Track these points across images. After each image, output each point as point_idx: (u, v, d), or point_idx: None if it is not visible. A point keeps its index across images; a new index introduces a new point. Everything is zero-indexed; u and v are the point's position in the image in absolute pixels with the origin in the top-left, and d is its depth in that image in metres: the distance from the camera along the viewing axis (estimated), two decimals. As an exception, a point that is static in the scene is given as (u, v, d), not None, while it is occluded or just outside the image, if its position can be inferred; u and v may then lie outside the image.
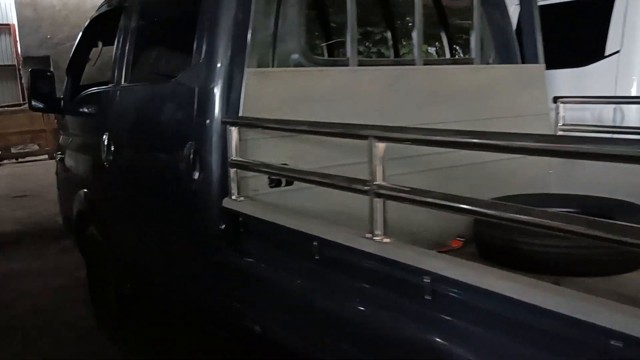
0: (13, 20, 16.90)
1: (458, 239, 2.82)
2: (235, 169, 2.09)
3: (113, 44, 3.41)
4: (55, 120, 13.16)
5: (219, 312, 2.26)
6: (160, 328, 3.51)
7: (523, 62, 3.09)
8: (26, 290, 4.65)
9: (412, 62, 2.62)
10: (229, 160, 2.09)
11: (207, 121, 2.24)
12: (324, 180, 1.77)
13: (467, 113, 2.68)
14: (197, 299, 2.48)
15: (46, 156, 12.91)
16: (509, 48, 3.07)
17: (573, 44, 4.07)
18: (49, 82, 4.03)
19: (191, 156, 2.30)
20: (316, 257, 1.71)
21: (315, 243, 1.71)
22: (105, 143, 3.17)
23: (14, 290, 4.69)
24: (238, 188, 2.10)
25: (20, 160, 12.80)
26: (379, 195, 1.48)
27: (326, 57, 3.04)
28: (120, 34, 3.11)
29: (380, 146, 1.48)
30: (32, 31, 16.40)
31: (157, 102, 2.65)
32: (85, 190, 3.68)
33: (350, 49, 2.37)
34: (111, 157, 3.14)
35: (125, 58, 3.03)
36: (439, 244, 2.77)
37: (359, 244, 1.52)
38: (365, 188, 1.52)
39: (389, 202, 1.62)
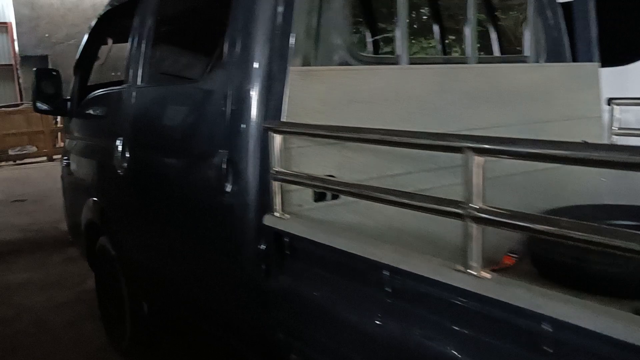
0: (10, 18, 16.57)
1: (510, 254, 2.58)
2: (278, 183, 1.82)
3: (125, 41, 3.15)
4: (54, 122, 12.95)
5: (258, 342, 2.00)
6: (180, 354, 3.24)
7: (574, 61, 2.85)
8: (29, 305, 4.38)
9: (464, 60, 2.37)
10: (272, 172, 1.82)
11: (243, 127, 1.98)
12: (403, 201, 1.48)
13: (522, 116, 2.44)
14: (229, 325, 2.22)
15: (44, 158, 12.64)
16: (560, 45, 2.82)
17: (613, 40, 3.82)
18: (55, 82, 3.76)
19: (223, 166, 2.04)
20: (387, 289, 1.45)
21: (386, 273, 1.45)
22: (119, 148, 2.91)
23: (16, 305, 4.41)
24: (282, 203, 1.84)
25: (18, 162, 12.49)
26: (477, 220, 1.22)
27: (373, 54, 2.78)
28: (136, 29, 2.84)
29: (478, 160, 1.22)
30: (30, 30, 16.10)
31: (181, 105, 2.38)
32: (95, 198, 3.42)
33: (400, 46, 2.11)
34: (126, 164, 2.87)
35: (142, 56, 2.77)
36: (490, 261, 2.52)
37: (450, 278, 1.26)
38: (460, 211, 1.26)
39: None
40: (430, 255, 1.39)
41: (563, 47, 2.81)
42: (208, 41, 2.22)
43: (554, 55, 2.78)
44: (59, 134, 13.42)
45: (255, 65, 1.95)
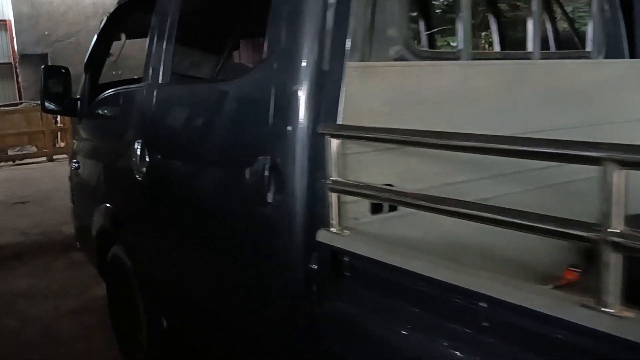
0: (9, 16, 16.29)
1: (571, 269, 2.37)
2: (336, 194, 1.59)
3: (142, 37, 2.92)
4: (54, 121, 12.69)
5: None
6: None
7: (631, 57, 2.63)
8: (35, 314, 4.15)
9: (526, 56, 2.14)
10: (329, 182, 1.60)
11: (290, 130, 1.75)
12: (513, 220, 1.23)
13: (586, 116, 2.22)
14: (265, 353, 1.99)
15: (44, 158, 12.39)
16: (617, 40, 2.60)
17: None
18: (64, 80, 3.53)
19: (265, 173, 1.82)
20: (484, 324, 1.22)
21: (483, 305, 1.23)
22: (138, 152, 2.68)
23: (21, 314, 4.19)
24: (339, 217, 1.61)
25: (17, 163, 12.23)
26: (617, 248, 1.00)
27: (431, 48, 2.55)
28: (158, 23, 2.61)
29: (620, 175, 1.00)
30: (29, 28, 15.82)
31: (214, 106, 2.15)
32: (109, 204, 3.19)
33: (462, 40, 1.89)
34: (145, 169, 2.64)
35: (165, 52, 2.54)
36: (551, 277, 2.31)
37: (578, 317, 1.03)
38: (594, 236, 1.03)
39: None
40: (543, 285, 1.17)
41: (621, 42, 2.60)
42: (246, 31, 2.00)
43: (611, 50, 2.56)
44: (59, 133, 13.19)
45: (305, 61, 1.73)
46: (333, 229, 1.60)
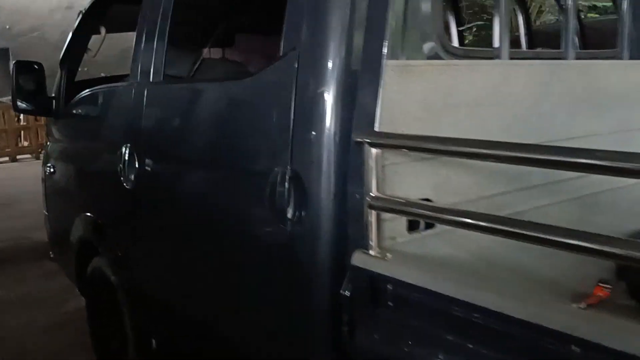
0: (-33, 8, 15.60)
1: (601, 285, 2.21)
2: (375, 212, 1.39)
3: (126, 30, 2.67)
4: (17, 119, 12.14)
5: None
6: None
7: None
8: (9, 329, 3.85)
9: (560, 55, 1.97)
10: (368, 198, 1.39)
11: (314, 136, 1.55)
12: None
13: (619, 121, 2.06)
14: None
15: (7, 158, 11.85)
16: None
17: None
18: (38, 77, 3.23)
19: (285, 185, 1.60)
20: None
21: (576, 349, 1.04)
22: (126, 157, 2.43)
23: (-6, 329, 3.88)
24: (378, 239, 1.40)
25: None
26: None
27: (465, 46, 2.34)
28: (149, 14, 2.36)
29: None
30: (-11, 21, 15.17)
31: (219, 108, 1.92)
32: (90, 214, 2.92)
33: (500, 37, 1.70)
34: (134, 176, 2.39)
35: (157, 46, 2.29)
36: (580, 294, 2.15)
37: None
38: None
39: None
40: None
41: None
42: (256, 27, 1.77)
43: (636, 50, 2.40)
44: (22, 132, 12.64)
45: (333, 57, 1.52)
46: (372, 252, 1.39)
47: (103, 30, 3.14)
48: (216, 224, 1.95)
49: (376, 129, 1.43)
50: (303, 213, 1.58)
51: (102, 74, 3.96)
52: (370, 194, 1.39)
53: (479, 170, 1.64)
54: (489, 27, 1.84)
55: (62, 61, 3.30)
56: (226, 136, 1.88)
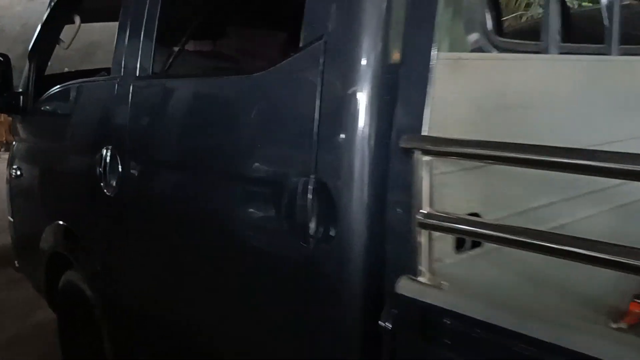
0: None
1: (637, 301, 2.05)
2: (427, 231, 1.17)
3: (103, 19, 2.40)
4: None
5: None
6: None
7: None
8: (-34, 347, 3.51)
9: (603, 51, 1.79)
10: (418, 215, 1.17)
11: (343, 140, 1.32)
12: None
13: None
14: None
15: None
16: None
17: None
18: (4, 70, 2.93)
19: (308, 197, 1.37)
20: None
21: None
22: (107, 160, 2.16)
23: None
24: (429, 262, 1.18)
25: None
26: None
27: (511, 39, 2.12)
28: (133, 1, 2.10)
29: None
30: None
31: (223, 106, 1.67)
32: (63, 222, 2.63)
33: (550, 29, 1.50)
34: (116, 182, 2.13)
35: (144, 36, 2.03)
36: (615, 310, 1.99)
37: None
38: None
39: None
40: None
41: None
42: (266, 10, 1.53)
43: None
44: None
45: (369, 49, 1.30)
46: (423, 279, 1.17)
47: (78, 19, 2.85)
48: (219, 239, 1.70)
49: (424, 132, 1.21)
50: (330, 230, 1.36)
51: (66, 69, 3.66)
52: (422, 210, 1.17)
53: (527, 180, 1.45)
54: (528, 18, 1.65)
55: (31, 53, 2.99)
56: (232, 139, 1.63)
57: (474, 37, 1.46)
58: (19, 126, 3.13)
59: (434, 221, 1.16)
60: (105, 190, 2.19)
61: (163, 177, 1.96)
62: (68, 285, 2.72)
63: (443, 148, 1.16)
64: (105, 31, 2.93)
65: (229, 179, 1.65)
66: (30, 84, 2.96)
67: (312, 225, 1.38)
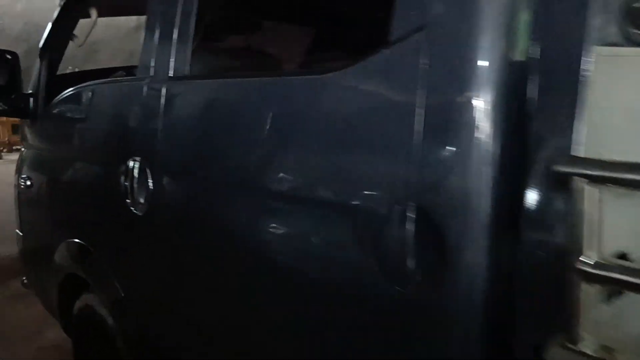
0: None
1: None
2: (595, 286, 0.88)
3: (123, 13, 2.11)
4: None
5: None
6: None
7: None
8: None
9: None
10: (581, 266, 0.88)
11: (458, 159, 1.03)
12: None
13: None
14: None
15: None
16: None
17: None
18: (11, 69, 2.64)
19: (406, 228, 1.09)
20: None
21: None
22: (135, 174, 1.88)
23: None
24: (592, 325, 0.90)
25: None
26: None
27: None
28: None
29: None
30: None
31: (288, 113, 1.38)
32: (80, 240, 2.35)
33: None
34: (145, 199, 1.85)
35: (179, 32, 1.75)
36: None
37: None
38: None
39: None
40: None
41: None
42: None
43: None
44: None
45: (491, 39, 1.01)
46: (587, 350, 0.88)
47: (94, 13, 2.57)
48: (276, 274, 1.41)
49: (580, 153, 0.92)
50: (437, 272, 1.07)
51: (70, 68, 3.38)
52: (585, 256, 0.88)
53: None
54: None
55: (42, 51, 2.71)
56: (297, 154, 1.34)
57: (608, 29, 1.18)
58: (27, 131, 2.84)
59: (606, 272, 0.86)
60: (132, 208, 1.91)
61: (204, 195, 1.66)
62: (85, 310, 2.45)
63: (621, 174, 0.86)
64: (109, 28, 2.67)
65: (292, 203, 1.35)
66: (40, 85, 2.67)
67: (410, 266, 1.10)
